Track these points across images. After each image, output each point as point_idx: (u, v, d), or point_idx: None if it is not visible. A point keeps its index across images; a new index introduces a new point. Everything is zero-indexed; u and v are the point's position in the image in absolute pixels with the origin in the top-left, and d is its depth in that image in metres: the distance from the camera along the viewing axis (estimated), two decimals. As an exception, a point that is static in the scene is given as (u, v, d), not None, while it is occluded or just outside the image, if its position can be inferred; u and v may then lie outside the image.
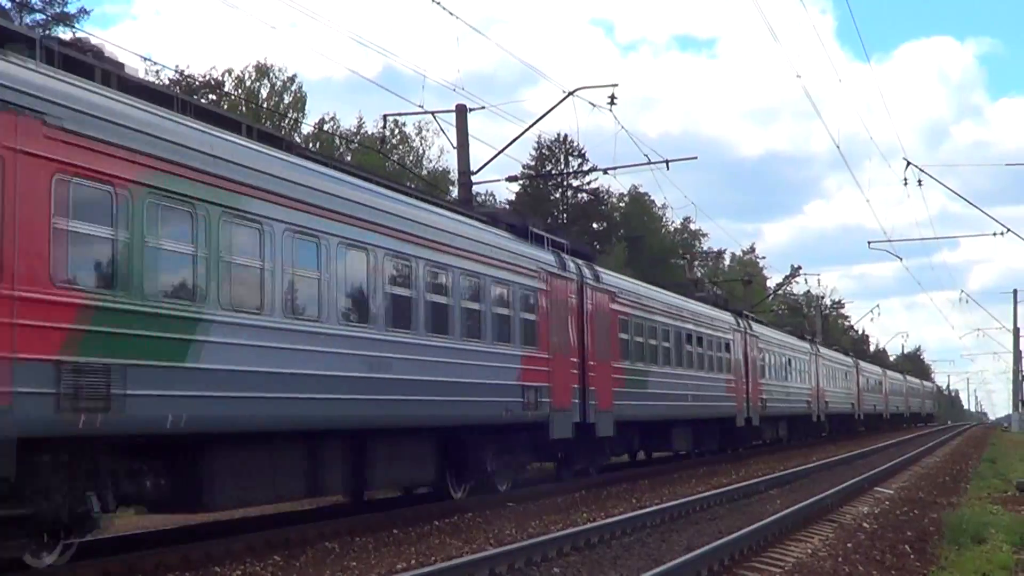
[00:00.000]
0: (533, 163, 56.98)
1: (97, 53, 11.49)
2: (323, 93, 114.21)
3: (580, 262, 22.46)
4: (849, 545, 13.18)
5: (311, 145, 52.30)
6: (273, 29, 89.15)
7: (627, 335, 24.46)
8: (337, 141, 49.41)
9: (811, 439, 48.96)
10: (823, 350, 53.69)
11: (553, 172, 56.93)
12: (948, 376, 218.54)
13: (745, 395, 34.57)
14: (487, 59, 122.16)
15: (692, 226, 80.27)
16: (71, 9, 35.31)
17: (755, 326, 38.64)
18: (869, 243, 53.57)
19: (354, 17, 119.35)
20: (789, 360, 43.31)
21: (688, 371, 28.95)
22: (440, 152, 57.12)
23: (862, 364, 62.54)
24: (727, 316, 34.66)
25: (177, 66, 43.93)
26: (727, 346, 33.21)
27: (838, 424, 54.57)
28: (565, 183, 57.94)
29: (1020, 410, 75.99)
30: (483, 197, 58.67)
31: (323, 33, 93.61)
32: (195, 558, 11.79)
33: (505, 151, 28.69)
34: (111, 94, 10.98)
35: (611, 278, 24.34)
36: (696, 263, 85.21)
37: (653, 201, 69.94)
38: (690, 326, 29.51)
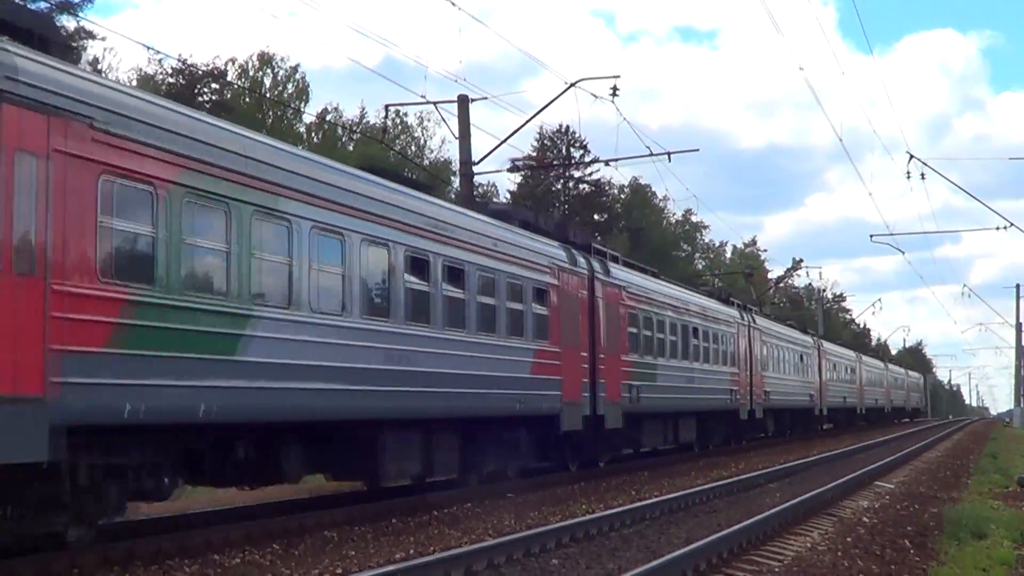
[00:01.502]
0: (535, 154, 56.96)
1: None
2: (324, 83, 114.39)
3: (590, 256, 22.74)
4: (849, 539, 13.17)
5: (313, 135, 52.36)
6: (275, 18, 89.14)
7: (636, 329, 24.78)
8: (340, 131, 49.39)
9: (812, 432, 49.75)
10: (827, 344, 55.17)
11: (555, 163, 56.89)
12: (950, 371, 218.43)
13: (748, 388, 35.04)
14: (488, 49, 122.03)
15: (693, 218, 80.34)
16: (75, -2, 35.20)
17: (759, 320, 39.00)
18: (871, 236, 53.45)
19: (355, 6, 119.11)
20: (796, 355, 44.62)
21: (694, 364, 29.40)
22: (442, 142, 57.18)
23: (826, 345, 55.90)
24: (731, 310, 35.06)
25: (180, 55, 43.89)
26: (731, 339, 33.61)
27: (787, 420, 47.15)
28: (567, 174, 57.92)
29: (1022, 405, 76.01)
30: (485, 187, 58.76)
31: (324, 22, 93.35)
32: (194, 546, 11.80)
33: (507, 142, 28.72)
34: (151, 98, 11.70)
35: (621, 272, 24.63)
36: (697, 255, 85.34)
37: (654, 193, 69.97)
38: (696, 320, 29.86)
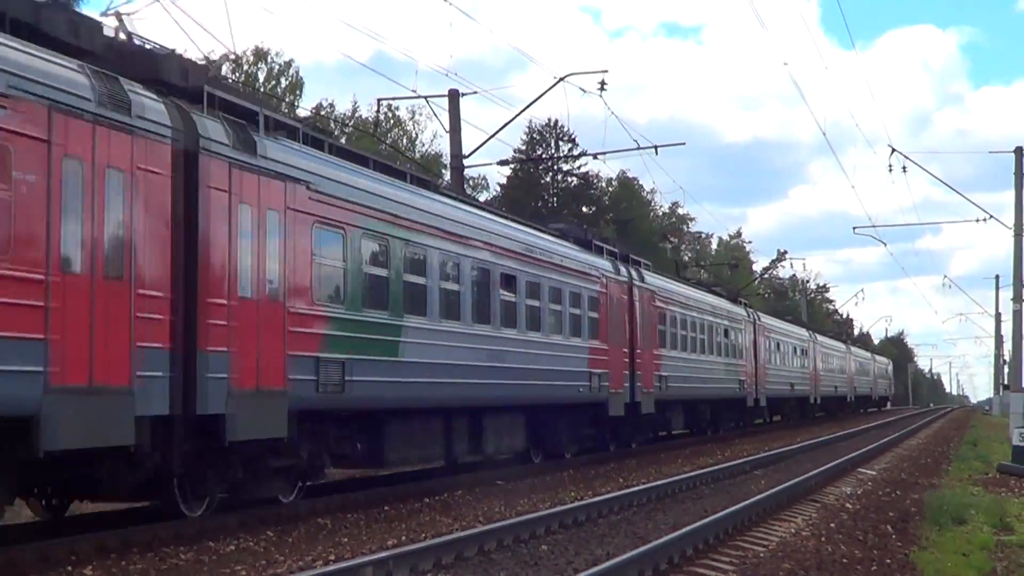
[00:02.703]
0: (524, 147, 57.09)
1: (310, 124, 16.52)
2: (315, 77, 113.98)
3: (628, 265, 26.71)
4: (832, 525, 13.41)
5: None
6: (268, 13, 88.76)
7: (664, 327, 28.64)
8: (332, 125, 49.42)
9: (806, 419, 52.80)
10: (820, 337, 56.48)
11: (544, 156, 57.05)
12: (931, 360, 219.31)
13: (754, 379, 39.12)
14: (477, 45, 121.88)
15: (680, 210, 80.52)
16: (69, -6, 35.19)
17: (763, 317, 43.70)
18: (854, 228, 53.88)
19: (346, 1, 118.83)
20: (792, 347, 48.41)
21: (711, 357, 33.25)
22: (433, 136, 57.22)
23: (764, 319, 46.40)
24: (739, 309, 38.99)
25: (174, 51, 43.80)
26: (740, 335, 37.50)
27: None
28: (555, 167, 58.06)
29: (1001, 393, 76.59)
30: (475, 181, 58.89)
31: (315, 17, 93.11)
32: (189, 533, 11.94)
33: (496, 135, 28.93)
34: (339, 162, 14.93)
35: (653, 279, 28.64)
36: (684, 247, 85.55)
37: (642, 186, 70.14)
38: (712, 318, 33.76)
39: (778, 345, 45.10)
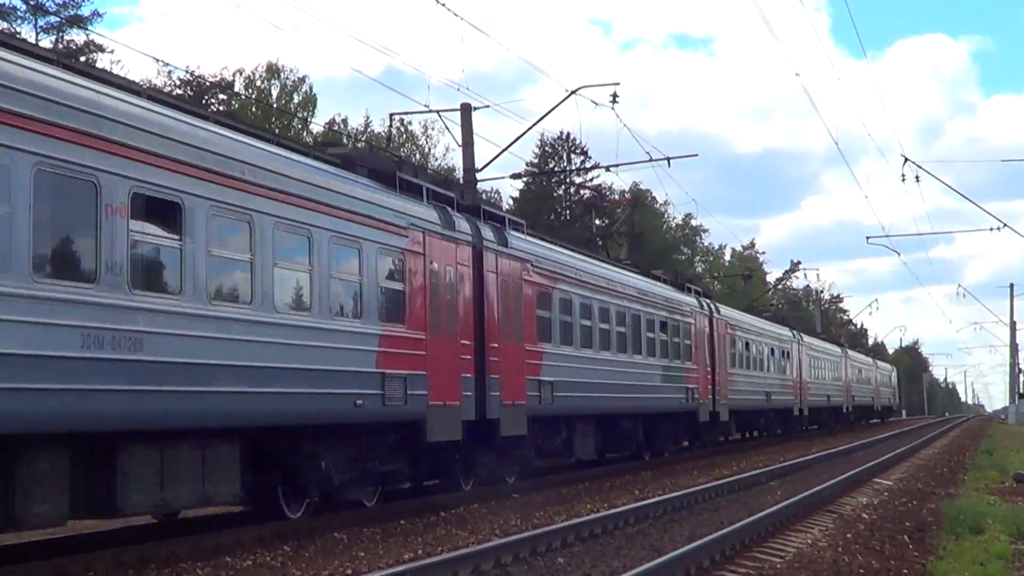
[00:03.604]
0: (536, 160, 57.26)
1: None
2: (327, 92, 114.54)
3: (711, 301, 30.62)
4: (849, 535, 13.35)
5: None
6: (278, 29, 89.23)
7: (734, 350, 35.73)
8: (344, 140, 49.66)
9: (789, 435, 43.93)
10: (807, 338, 47.78)
11: (556, 169, 57.22)
12: (946, 369, 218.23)
13: (710, 387, 31.45)
14: (487, 58, 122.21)
15: (693, 222, 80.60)
16: (84, 12, 35.52)
17: (724, 309, 34.72)
18: (867, 238, 53.69)
19: (356, 17, 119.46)
20: (768, 349, 39.34)
21: (767, 374, 32.59)
22: (445, 150, 57.55)
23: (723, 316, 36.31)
24: (786, 331, 34.93)
25: (188, 67, 44.27)
26: (787, 354, 34.45)
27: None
28: (568, 180, 58.19)
29: (1017, 402, 76.29)
30: (488, 194, 59.07)
31: (326, 33, 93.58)
32: (206, 548, 11.99)
33: (509, 149, 29.11)
34: (547, 245, 22.52)
35: (727, 311, 31.56)
36: (697, 258, 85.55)
37: (655, 198, 70.28)
38: (767, 340, 33.23)
39: (747, 345, 36.54)
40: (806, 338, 47.46)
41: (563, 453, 22.93)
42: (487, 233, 18.79)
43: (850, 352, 63.55)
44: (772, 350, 39.67)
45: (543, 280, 20.89)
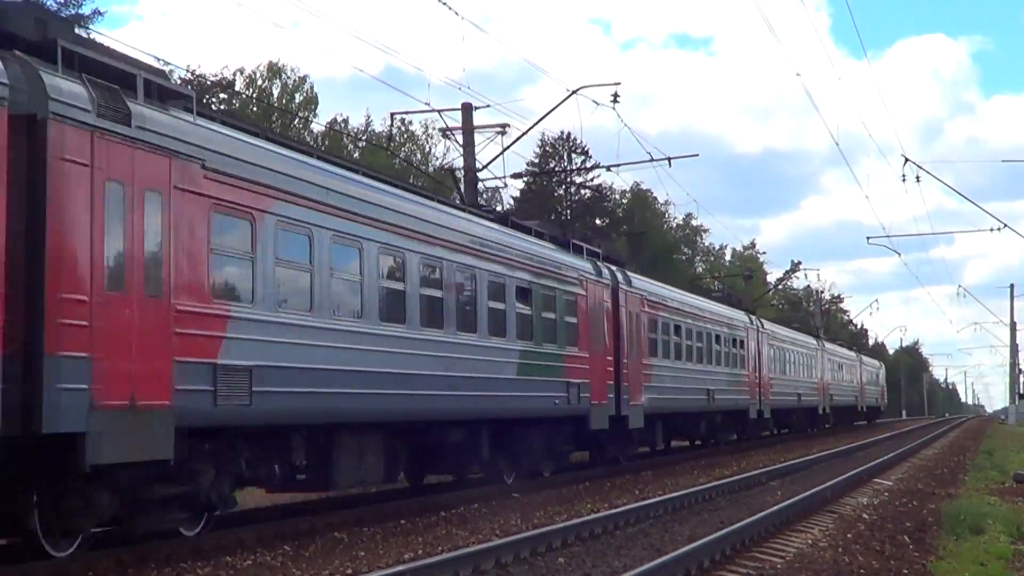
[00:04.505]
0: (537, 160, 57.28)
1: None
2: (327, 91, 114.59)
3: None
4: (849, 536, 13.35)
5: (320, 144, 52.71)
6: (279, 28, 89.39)
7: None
8: (345, 139, 49.68)
9: (815, 430, 50.44)
10: (770, 325, 43.38)
11: (556, 169, 57.24)
12: (946, 369, 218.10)
13: (757, 389, 37.40)
14: (488, 57, 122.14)
15: (694, 222, 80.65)
16: (85, 11, 35.49)
17: (638, 281, 27.76)
18: (868, 238, 53.79)
19: (356, 15, 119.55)
20: (711, 336, 33.99)
21: (710, 367, 32.36)
22: (446, 149, 57.44)
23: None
24: (740, 315, 37.25)
25: (188, 66, 44.27)
26: (741, 343, 35.65)
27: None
28: (568, 180, 58.22)
29: (1017, 403, 76.34)
30: (488, 193, 58.99)
31: (326, 31, 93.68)
32: (207, 548, 11.98)
33: (510, 148, 29.10)
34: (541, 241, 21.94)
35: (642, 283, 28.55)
36: (697, 258, 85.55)
37: (655, 198, 70.31)
38: (709, 325, 32.47)
39: (677, 329, 29.00)
40: (768, 325, 41.68)
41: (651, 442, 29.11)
42: (619, 276, 25.02)
43: (828, 345, 55.87)
44: (718, 337, 32.79)
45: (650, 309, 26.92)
